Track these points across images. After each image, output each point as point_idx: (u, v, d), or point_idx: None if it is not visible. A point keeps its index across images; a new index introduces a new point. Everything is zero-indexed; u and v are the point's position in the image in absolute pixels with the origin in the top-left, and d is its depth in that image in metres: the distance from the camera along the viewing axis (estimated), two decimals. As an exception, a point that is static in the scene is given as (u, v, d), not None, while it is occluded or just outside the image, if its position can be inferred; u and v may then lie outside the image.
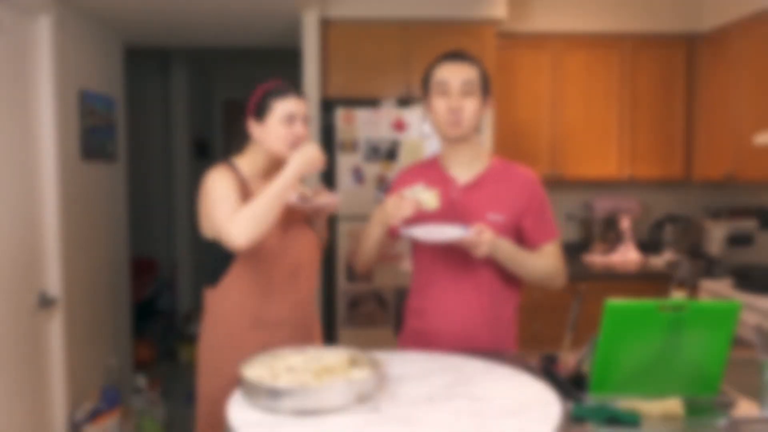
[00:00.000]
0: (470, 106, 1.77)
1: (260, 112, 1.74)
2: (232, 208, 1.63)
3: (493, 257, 1.72)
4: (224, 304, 1.76)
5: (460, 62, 1.80)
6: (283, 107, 1.72)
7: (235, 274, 1.74)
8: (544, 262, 1.83)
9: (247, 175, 1.78)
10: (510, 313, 1.90)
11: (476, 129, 1.84)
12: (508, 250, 1.73)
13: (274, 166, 1.78)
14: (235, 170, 1.77)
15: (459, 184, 1.84)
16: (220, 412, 1.68)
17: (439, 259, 1.85)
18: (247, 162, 1.81)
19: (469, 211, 1.81)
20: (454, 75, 1.77)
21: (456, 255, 1.80)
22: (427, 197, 1.68)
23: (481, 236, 1.65)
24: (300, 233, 1.82)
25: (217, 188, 1.69)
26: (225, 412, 1.64)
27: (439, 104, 1.79)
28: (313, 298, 1.90)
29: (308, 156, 1.65)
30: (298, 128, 1.74)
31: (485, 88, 1.82)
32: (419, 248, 1.90)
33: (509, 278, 1.85)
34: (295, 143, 1.74)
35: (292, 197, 1.67)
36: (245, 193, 1.73)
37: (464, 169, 1.85)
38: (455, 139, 1.80)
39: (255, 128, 1.77)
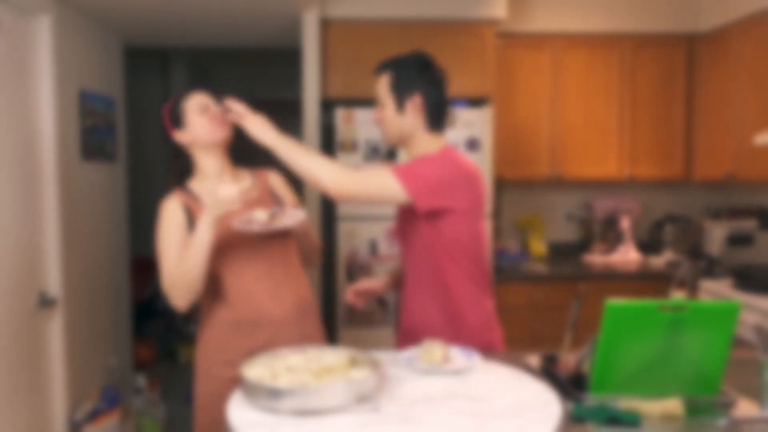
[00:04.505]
0: (384, 115, 1.84)
1: (177, 120, 1.83)
2: (171, 266, 1.73)
3: (269, 146, 1.70)
4: (212, 308, 1.80)
5: (376, 76, 1.86)
6: (192, 103, 1.83)
7: (220, 277, 1.77)
8: (324, 160, 1.69)
9: (201, 192, 1.82)
10: (473, 313, 1.81)
11: (406, 130, 1.81)
12: (286, 143, 1.69)
13: (217, 162, 1.84)
14: (185, 193, 1.82)
15: None
16: (214, 414, 1.72)
17: (405, 255, 1.88)
18: (199, 177, 1.86)
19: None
20: (374, 90, 1.87)
21: (414, 251, 1.81)
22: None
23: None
24: (272, 236, 1.80)
25: (163, 240, 1.77)
26: (218, 413, 1.68)
27: (373, 116, 1.92)
28: (303, 298, 1.87)
29: (220, 197, 1.60)
30: (212, 110, 1.83)
31: (400, 90, 1.79)
32: (401, 246, 1.92)
33: (470, 277, 1.81)
34: (219, 122, 1.81)
35: (254, 227, 1.65)
36: (194, 215, 1.77)
37: None
38: (388, 145, 1.92)
39: (182, 136, 1.84)
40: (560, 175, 3.79)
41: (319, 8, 3.40)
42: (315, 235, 1.96)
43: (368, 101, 3.48)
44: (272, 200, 1.88)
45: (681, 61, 3.81)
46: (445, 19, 3.50)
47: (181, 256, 1.70)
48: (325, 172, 1.66)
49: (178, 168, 1.88)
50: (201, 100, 1.84)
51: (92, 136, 3.26)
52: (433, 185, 1.69)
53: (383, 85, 1.82)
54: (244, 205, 1.66)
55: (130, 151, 4.44)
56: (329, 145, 3.71)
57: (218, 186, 1.62)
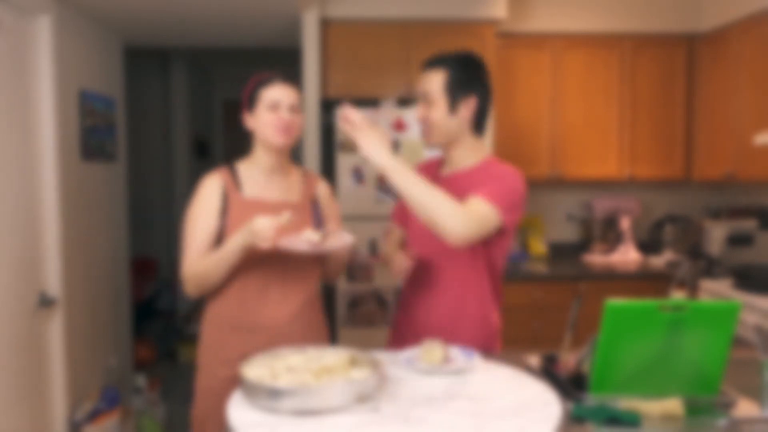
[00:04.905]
0: (433, 115, 1.75)
1: (251, 102, 1.79)
2: (194, 255, 1.73)
3: (381, 169, 1.53)
4: (213, 306, 1.80)
5: (427, 71, 1.78)
6: (268, 94, 1.75)
7: (226, 277, 1.75)
8: (445, 199, 1.54)
9: (246, 177, 1.80)
10: (491, 311, 1.85)
11: (450, 131, 1.77)
12: (403, 168, 1.53)
13: (273, 159, 1.81)
14: (230, 174, 1.80)
15: (442, 177, 1.85)
16: (210, 409, 1.73)
17: (423, 252, 1.84)
18: (250, 162, 1.83)
19: None
20: (420, 85, 1.78)
21: (436, 248, 1.78)
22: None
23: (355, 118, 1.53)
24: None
25: (190, 224, 1.76)
26: (214, 409, 1.69)
27: (418, 112, 1.81)
28: (309, 311, 1.84)
29: (255, 229, 1.58)
30: (284, 114, 1.75)
31: (456, 90, 1.73)
32: (410, 241, 1.90)
33: (490, 275, 1.82)
34: (283, 129, 1.75)
35: (302, 246, 1.61)
36: (230, 201, 1.75)
37: (451, 165, 1.85)
38: (431, 147, 1.83)
39: (249, 119, 1.81)
40: (560, 175, 3.79)
41: (319, 8, 3.40)
42: (345, 258, 1.94)
43: (368, 101, 3.48)
44: (310, 208, 1.85)
45: (681, 61, 3.80)
46: (445, 19, 3.49)
47: (204, 258, 1.71)
48: (448, 215, 1.51)
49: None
50: (279, 95, 1.74)
51: (92, 136, 3.26)
52: (516, 201, 1.67)
53: (436, 83, 1.74)
54: (277, 233, 1.60)
55: (130, 151, 4.44)
56: (329, 145, 3.71)
57: (258, 216, 1.60)
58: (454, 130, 1.76)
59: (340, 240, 1.67)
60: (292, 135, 1.77)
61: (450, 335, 1.76)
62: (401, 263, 1.75)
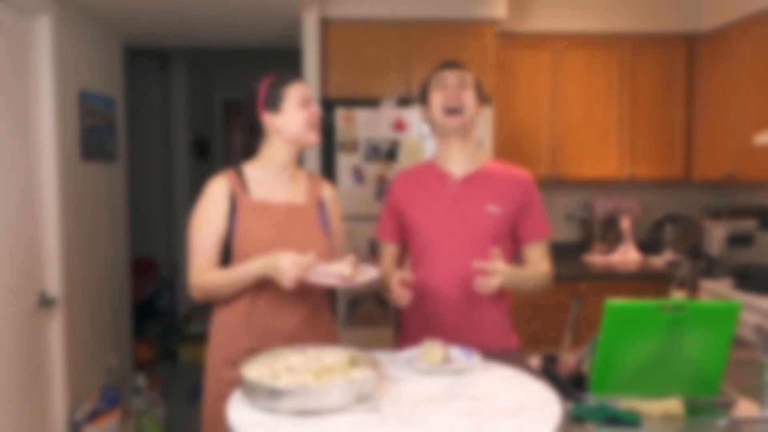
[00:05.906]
0: (468, 97, 1.85)
1: (274, 102, 1.76)
2: (202, 262, 1.73)
3: (502, 286, 1.72)
4: (221, 308, 1.78)
5: (458, 68, 1.90)
6: (297, 92, 1.77)
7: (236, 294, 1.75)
8: (539, 274, 1.90)
9: (253, 179, 1.78)
10: (497, 311, 1.95)
11: (473, 125, 1.90)
12: (515, 277, 1.78)
13: (291, 158, 1.81)
14: (236, 177, 1.78)
15: (456, 178, 1.88)
16: (218, 412, 1.72)
17: (435, 255, 1.87)
18: (260, 163, 1.81)
19: (467, 202, 1.85)
20: (450, 73, 1.88)
21: (451, 251, 1.84)
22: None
23: (494, 266, 1.66)
24: (303, 243, 1.74)
25: (195, 231, 1.75)
26: (221, 412, 1.67)
27: (437, 97, 1.86)
28: (319, 313, 1.83)
29: (280, 267, 1.58)
30: (315, 108, 1.79)
31: (479, 93, 1.91)
32: (417, 244, 1.90)
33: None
34: (317, 124, 1.79)
35: (332, 280, 1.61)
36: (238, 203, 1.74)
37: (461, 166, 1.89)
38: (455, 130, 1.84)
39: (272, 119, 1.77)
40: (560, 175, 3.79)
41: (319, 8, 3.40)
42: None
43: (368, 101, 3.48)
44: (317, 210, 1.83)
45: (681, 61, 3.80)
46: (445, 19, 3.49)
47: (215, 273, 1.70)
48: (548, 283, 1.95)
49: (253, 148, 1.84)
50: (306, 92, 1.79)
51: (92, 136, 3.26)
52: None
53: (470, 79, 1.88)
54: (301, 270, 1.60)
55: (130, 151, 4.44)
56: (329, 145, 3.71)
57: (282, 253, 1.59)
58: (475, 118, 1.90)
59: (366, 275, 1.67)
60: (318, 132, 1.81)
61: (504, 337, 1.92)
62: (402, 297, 1.75)
